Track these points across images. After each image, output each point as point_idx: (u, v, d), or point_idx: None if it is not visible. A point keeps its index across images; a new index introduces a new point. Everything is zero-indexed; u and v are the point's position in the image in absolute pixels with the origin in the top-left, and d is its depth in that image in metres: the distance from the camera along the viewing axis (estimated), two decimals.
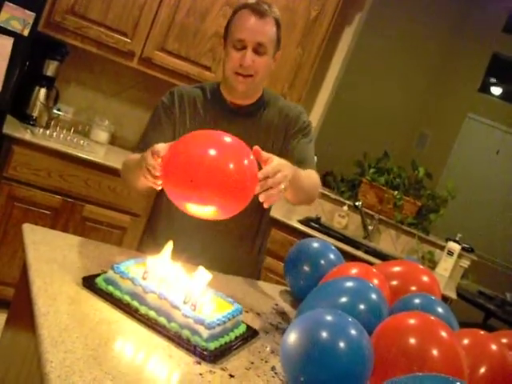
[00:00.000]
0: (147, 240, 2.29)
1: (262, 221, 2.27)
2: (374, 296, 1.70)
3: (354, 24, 4.54)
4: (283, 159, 1.75)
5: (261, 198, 1.63)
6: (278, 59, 2.12)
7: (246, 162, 1.59)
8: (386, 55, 6.04)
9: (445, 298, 3.63)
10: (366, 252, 4.13)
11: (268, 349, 1.63)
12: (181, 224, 2.06)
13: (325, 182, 4.92)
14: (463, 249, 4.43)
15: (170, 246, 1.69)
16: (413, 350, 1.43)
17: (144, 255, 1.77)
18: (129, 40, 3.60)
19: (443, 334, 1.48)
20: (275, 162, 1.68)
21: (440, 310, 1.82)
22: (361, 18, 4.56)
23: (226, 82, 2.11)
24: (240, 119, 2.13)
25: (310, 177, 2.08)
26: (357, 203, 4.53)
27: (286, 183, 1.68)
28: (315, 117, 4.56)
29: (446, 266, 4.36)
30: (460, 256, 4.43)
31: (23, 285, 1.62)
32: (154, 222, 2.27)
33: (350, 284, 1.72)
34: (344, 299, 1.65)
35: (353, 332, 1.38)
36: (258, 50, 2.00)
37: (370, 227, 4.56)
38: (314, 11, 4.04)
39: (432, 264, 4.43)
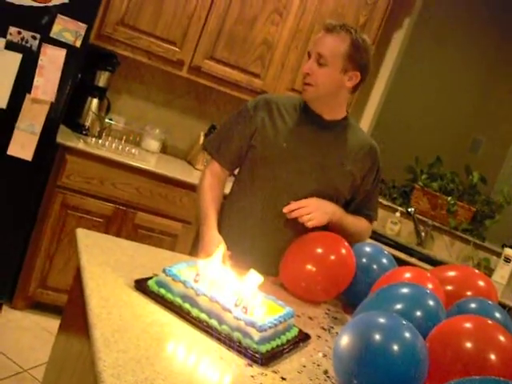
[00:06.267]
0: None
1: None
2: (431, 302, 1.65)
3: (403, 28, 4.49)
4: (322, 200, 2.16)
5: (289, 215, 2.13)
6: (355, 79, 2.15)
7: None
8: (438, 58, 5.94)
9: (503, 306, 3.51)
10: (420, 259, 4.06)
11: (320, 353, 1.61)
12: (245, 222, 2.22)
13: None
14: None
15: (221, 249, 1.70)
16: (469, 355, 1.39)
17: (195, 258, 1.77)
18: (178, 49, 3.63)
19: (501, 338, 1.43)
20: (302, 202, 2.12)
21: (498, 315, 1.75)
22: (410, 22, 4.50)
23: None
24: (323, 132, 2.21)
25: (357, 225, 2.30)
26: (409, 209, 4.45)
27: (313, 214, 2.10)
28: (365, 123, 4.52)
29: (502, 273, 4.24)
30: None
31: (77, 289, 1.64)
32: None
33: (406, 290, 1.68)
34: (400, 305, 1.61)
35: (407, 335, 1.35)
36: (319, 60, 2.10)
37: (423, 234, 4.48)
38: (362, 17, 4.01)
39: (488, 271, 4.31)
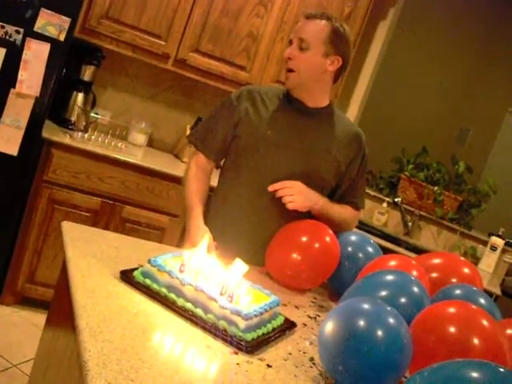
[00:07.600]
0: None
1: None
2: (415, 289, 1.66)
3: (388, 19, 4.50)
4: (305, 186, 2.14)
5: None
6: (336, 63, 2.16)
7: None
8: (423, 49, 5.96)
9: (489, 294, 3.55)
10: (407, 248, 4.09)
11: (306, 340, 1.62)
12: (232, 210, 2.24)
13: None
14: (507, 243, 4.34)
15: (206, 239, 1.70)
16: (453, 339, 1.41)
17: (181, 249, 1.78)
18: (163, 42, 3.62)
19: (485, 322, 1.44)
20: (287, 182, 2.11)
21: (482, 300, 1.77)
22: (395, 13, 4.51)
23: None
24: (307, 119, 2.22)
25: (342, 213, 2.30)
26: (396, 199, 4.48)
27: (295, 197, 2.09)
28: (352, 114, 4.53)
29: (489, 261, 4.28)
30: (504, 251, 4.34)
31: (63, 281, 1.64)
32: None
33: (391, 277, 1.70)
34: (385, 292, 1.62)
35: (390, 320, 1.36)
36: (301, 45, 2.12)
37: (410, 223, 4.50)
38: (347, 7, 4.02)
39: (475, 260, 4.35)
